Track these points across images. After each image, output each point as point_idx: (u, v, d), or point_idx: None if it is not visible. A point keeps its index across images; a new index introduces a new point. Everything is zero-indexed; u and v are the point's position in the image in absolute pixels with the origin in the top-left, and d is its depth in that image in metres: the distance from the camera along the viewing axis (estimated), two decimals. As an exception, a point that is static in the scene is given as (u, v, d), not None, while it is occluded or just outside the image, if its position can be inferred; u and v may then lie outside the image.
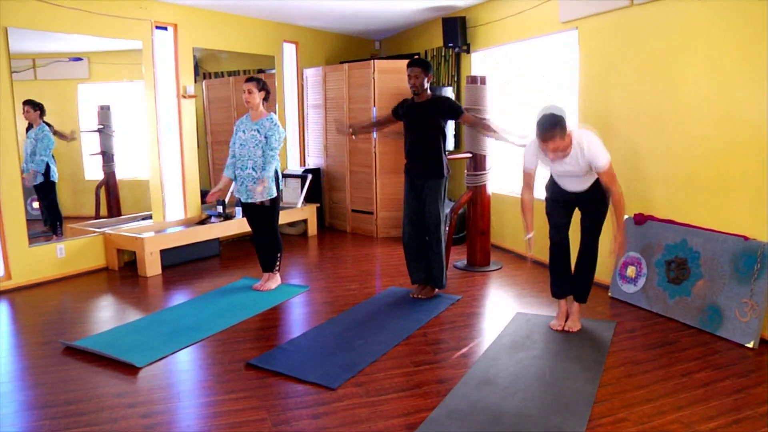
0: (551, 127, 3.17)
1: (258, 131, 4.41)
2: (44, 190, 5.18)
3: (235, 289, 4.75)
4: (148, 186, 5.85)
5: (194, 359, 3.42)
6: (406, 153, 4.45)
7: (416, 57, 4.36)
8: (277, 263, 4.70)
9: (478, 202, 5.25)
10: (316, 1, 5.90)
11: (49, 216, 5.23)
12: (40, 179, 5.13)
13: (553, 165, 3.47)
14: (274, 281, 4.73)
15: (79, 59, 5.39)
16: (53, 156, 5.19)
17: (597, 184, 3.49)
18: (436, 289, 4.47)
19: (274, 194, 4.48)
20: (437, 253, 4.34)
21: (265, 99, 4.49)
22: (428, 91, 4.33)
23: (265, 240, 4.63)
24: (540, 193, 3.81)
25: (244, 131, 4.48)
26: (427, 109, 4.29)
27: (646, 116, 4.22)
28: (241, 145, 4.47)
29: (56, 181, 5.26)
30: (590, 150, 3.29)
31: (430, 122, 4.29)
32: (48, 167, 5.16)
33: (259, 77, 4.52)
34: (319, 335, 3.70)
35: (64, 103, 5.43)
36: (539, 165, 3.57)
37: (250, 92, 4.39)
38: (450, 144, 6.33)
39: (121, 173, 5.81)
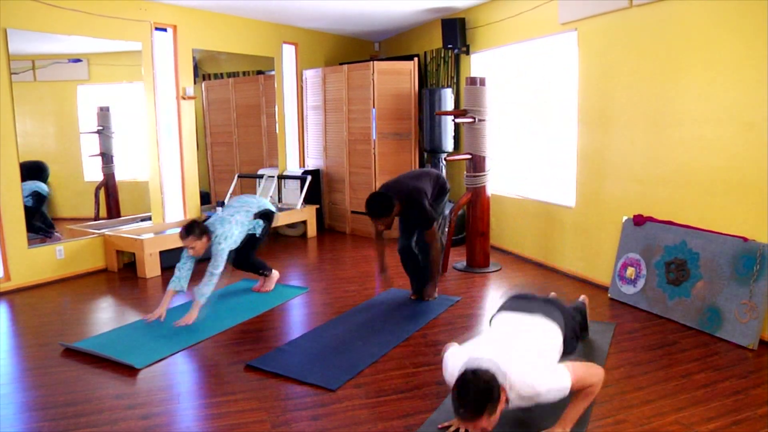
0: (481, 403, 2.10)
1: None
2: (33, 210, 5.14)
3: (234, 290, 4.75)
4: (148, 187, 5.84)
5: (193, 361, 3.42)
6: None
7: (372, 202, 3.86)
8: (265, 272, 4.71)
9: (477, 203, 5.25)
10: (316, 3, 5.90)
11: (41, 224, 5.20)
12: (29, 203, 5.07)
13: None
14: (271, 281, 4.73)
15: (79, 60, 5.39)
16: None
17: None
18: (435, 294, 4.46)
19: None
20: (425, 266, 4.35)
21: (209, 238, 4.03)
22: (395, 209, 3.91)
23: (244, 266, 4.62)
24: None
25: None
26: (403, 217, 4.18)
27: (645, 117, 4.22)
28: None
29: (47, 195, 5.27)
30: (544, 397, 2.28)
31: (412, 222, 4.22)
32: (37, 193, 5.17)
33: (190, 223, 3.97)
34: (319, 337, 3.70)
35: (63, 105, 5.43)
36: None
37: (193, 248, 3.95)
38: (449, 145, 6.34)
39: (121, 174, 5.81)
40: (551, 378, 2.27)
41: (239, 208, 4.36)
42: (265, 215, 4.49)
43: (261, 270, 4.68)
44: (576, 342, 2.88)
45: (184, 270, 4.02)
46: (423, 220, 4.04)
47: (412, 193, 3.97)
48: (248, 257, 4.56)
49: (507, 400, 2.21)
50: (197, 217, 4.00)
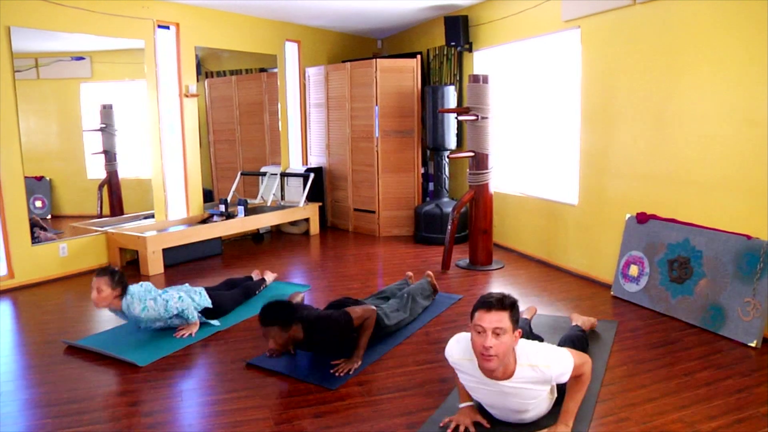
0: (504, 301, 2.26)
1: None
2: None
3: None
4: (151, 185, 5.86)
5: (195, 359, 3.42)
6: None
7: (267, 312, 3.05)
8: (261, 287, 4.55)
9: (480, 200, 5.24)
10: (319, 1, 5.90)
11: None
12: None
13: (483, 388, 2.42)
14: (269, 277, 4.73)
15: (82, 58, 5.40)
16: None
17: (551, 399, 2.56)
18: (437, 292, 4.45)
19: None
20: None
21: (122, 294, 3.47)
22: (298, 334, 3.12)
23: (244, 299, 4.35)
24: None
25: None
26: (313, 346, 3.24)
27: (648, 115, 4.21)
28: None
29: None
30: (553, 369, 2.33)
31: (328, 349, 3.29)
32: None
33: (113, 269, 3.49)
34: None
35: (66, 103, 5.44)
36: (465, 376, 2.47)
37: (99, 290, 3.39)
38: (452, 143, 6.33)
39: (124, 172, 5.82)
40: (559, 356, 2.36)
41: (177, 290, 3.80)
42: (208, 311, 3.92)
43: (258, 290, 4.50)
44: None
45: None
46: (339, 331, 3.18)
47: (318, 319, 3.18)
48: (236, 299, 4.22)
49: (506, 351, 2.26)
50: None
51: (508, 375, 2.33)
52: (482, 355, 2.23)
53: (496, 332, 2.20)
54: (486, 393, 2.44)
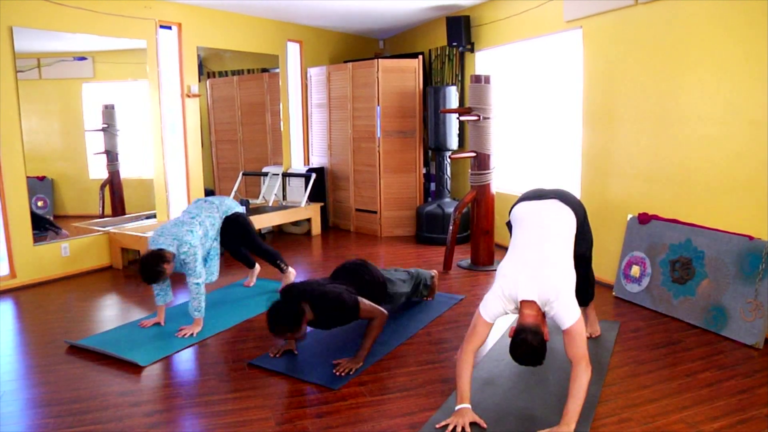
0: (539, 362, 2.48)
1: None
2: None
3: (237, 288, 4.75)
4: (152, 185, 5.86)
5: (197, 358, 3.42)
6: None
7: (274, 322, 2.96)
8: (282, 265, 4.60)
9: (482, 201, 5.24)
10: (321, 1, 5.90)
11: (49, 225, 5.22)
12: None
13: None
14: (289, 278, 4.69)
15: (84, 58, 5.41)
16: None
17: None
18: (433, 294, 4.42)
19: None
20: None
21: (173, 256, 3.66)
22: (306, 320, 3.08)
23: (257, 254, 4.54)
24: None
25: None
26: (318, 324, 3.26)
27: (650, 115, 4.21)
28: None
29: None
30: (560, 303, 2.51)
31: (332, 325, 3.33)
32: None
33: (150, 264, 3.52)
34: (322, 335, 3.69)
35: (68, 103, 5.45)
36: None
37: (167, 265, 3.61)
38: (454, 143, 6.33)
39: (126, 172, 5.83)
40: (571, 300, 2.53)
41: (200, 211, 4.01)
42: (233, 221, 4.10)
43: (278, 261, 4.54)
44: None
45: (162, 286, 3.81)
46: (344, 315, 3.19)
47: (324, 296, 3.15)
48: (255, 245, 4.42)
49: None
50: (154, 251, 3.61)
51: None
52: None
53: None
54: None
